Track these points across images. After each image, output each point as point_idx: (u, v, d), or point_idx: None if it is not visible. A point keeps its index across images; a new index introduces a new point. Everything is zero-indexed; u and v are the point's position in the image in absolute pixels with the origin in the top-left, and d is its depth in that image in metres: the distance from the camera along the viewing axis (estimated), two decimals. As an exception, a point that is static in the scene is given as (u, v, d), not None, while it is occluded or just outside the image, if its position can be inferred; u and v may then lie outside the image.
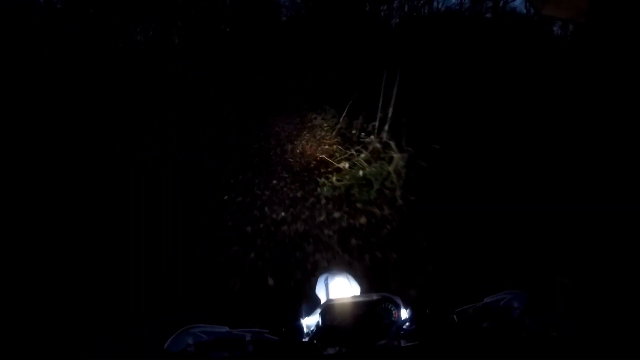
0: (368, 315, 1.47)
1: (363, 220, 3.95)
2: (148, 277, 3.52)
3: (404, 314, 1.50)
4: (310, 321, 1.49)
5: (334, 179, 4.29)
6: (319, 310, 1.47)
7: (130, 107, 4.24)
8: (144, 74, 4.39)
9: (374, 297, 1.51)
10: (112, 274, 3.54)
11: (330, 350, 1.40)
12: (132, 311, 3.35)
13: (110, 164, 3.99)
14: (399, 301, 1.51)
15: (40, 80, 4.12)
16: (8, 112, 3.96)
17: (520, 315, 1.48)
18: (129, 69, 4.37)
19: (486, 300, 1.51)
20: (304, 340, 1.45)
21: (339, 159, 4.48)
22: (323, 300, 1.61)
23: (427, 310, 1.51)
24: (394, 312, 1.50)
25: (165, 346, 1.32)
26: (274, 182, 4.33)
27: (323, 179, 4.30)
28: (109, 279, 3.51)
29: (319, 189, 4.20)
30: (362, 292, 1.66)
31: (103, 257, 3.64)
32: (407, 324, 1.47)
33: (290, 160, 4.54)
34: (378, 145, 4.52)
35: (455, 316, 1.49)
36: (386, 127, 4.64)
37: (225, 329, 1.37)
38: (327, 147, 4.65)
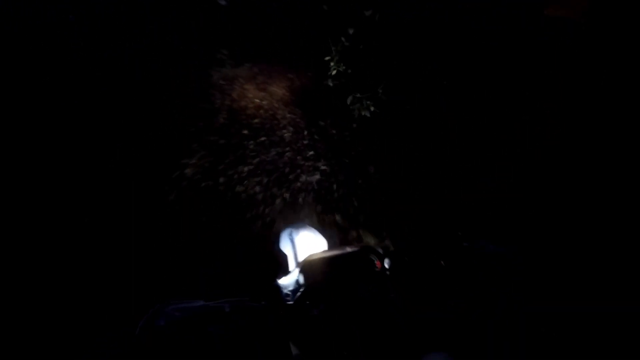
0: (350, 269, 1.38)
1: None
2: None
3: (386, 263, 1.47)
4: (286, 281, 1.39)
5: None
6: (297, 270, 1.36)
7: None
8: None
9: (348, 249, 1.43)
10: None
11: (315, 311, 1.30)
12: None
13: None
14: (380, 250, 1.47)
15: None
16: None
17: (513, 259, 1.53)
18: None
19: (464, 244, 1.56)
20: (288, 303, 1.33)
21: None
22: (290, 255, 1.53)
23: (407, 259, 1.47)
24: (375, 262, 1.44)
25: (136, 333, 1.14)
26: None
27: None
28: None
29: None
30: (327, 243, 1.58)
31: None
32: (388, 272, 1.45)
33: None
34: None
35: (442, 261, 1.51)
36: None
37: (200, 302, 1.23)
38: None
